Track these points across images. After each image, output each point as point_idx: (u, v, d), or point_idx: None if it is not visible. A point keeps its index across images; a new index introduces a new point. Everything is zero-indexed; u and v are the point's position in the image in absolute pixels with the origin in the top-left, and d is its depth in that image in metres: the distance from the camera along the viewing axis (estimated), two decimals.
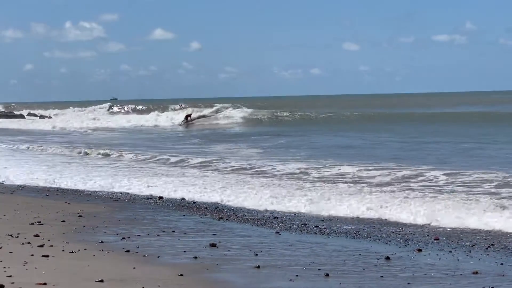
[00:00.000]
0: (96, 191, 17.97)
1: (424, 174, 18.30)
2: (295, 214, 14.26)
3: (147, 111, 68.09)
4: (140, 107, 73.28)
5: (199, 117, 57.61)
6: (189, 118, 56.66)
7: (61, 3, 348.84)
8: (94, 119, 59.88)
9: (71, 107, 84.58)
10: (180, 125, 55.12)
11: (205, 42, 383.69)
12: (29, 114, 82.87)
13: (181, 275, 8.67)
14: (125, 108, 72.58)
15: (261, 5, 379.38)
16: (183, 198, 16.47)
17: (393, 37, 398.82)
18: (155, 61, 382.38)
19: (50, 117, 74.39)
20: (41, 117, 76.97)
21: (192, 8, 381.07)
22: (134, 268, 9.01)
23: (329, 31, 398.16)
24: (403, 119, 47.16)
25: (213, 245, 10.64)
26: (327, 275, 8.72)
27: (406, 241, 11.30)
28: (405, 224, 12.96)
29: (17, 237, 11.14)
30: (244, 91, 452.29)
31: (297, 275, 8.71)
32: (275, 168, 21.02)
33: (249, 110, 60.20)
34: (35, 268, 8.82)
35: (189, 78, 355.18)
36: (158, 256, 9.90)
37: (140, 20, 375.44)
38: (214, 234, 11.70)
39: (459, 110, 58.02)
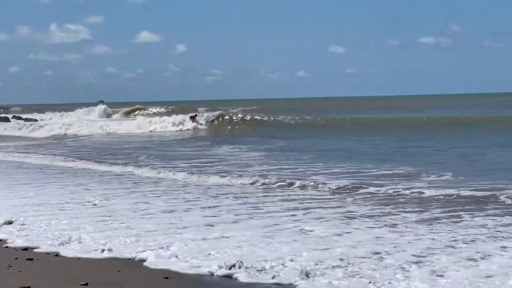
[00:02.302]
0: None
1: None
2: None
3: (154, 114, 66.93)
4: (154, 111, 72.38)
5: (206, 120, 57.10)
6: (193, 119, 56.22)
7: (46, 6, 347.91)
8: (101, 127, 57.71)
9: (77, 110, 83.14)
10: (198, 126, 54.38)
11: (191, 45, 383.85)
12: (14, 117, 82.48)
13: (166, 278, 8.66)
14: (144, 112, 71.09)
15: (247, 8, 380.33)
16: None
17: (379, 39, 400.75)
18: (141, 63, 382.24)
19: (35, 120, 73.84)
20: (26, 120, 76.46)
21: (178, 11, 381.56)
22: (119, 271, 8.99)
23: (315, 33, 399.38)
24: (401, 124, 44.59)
25: None
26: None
27: None
28: None
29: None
30: (231, 93, 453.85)
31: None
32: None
33: (251, 113, 59.70)
34: (19, 271, 8.79)
35: (176, 80, 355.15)
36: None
37: (125, 22, 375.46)
38: None
39: (450, 114, 56.28)
